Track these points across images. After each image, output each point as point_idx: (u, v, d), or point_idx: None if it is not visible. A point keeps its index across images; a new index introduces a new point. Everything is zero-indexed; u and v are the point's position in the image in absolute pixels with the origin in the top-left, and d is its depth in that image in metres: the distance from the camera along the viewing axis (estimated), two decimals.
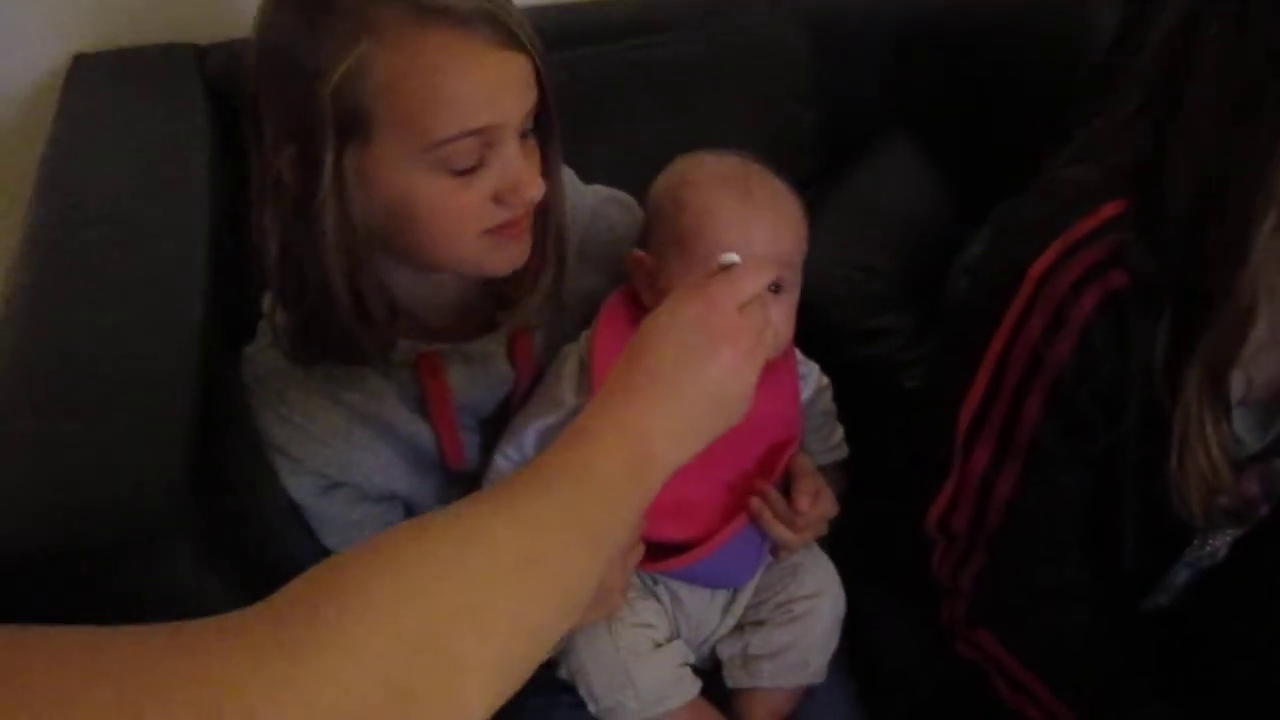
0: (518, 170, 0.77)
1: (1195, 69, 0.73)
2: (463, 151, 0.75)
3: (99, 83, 1.16)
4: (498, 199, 0.77)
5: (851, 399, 1.02)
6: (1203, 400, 0.77)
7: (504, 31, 0.74)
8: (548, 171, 0.81)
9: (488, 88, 0.74)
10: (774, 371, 0.89)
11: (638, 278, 0.89)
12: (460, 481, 0.93)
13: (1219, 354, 0.76)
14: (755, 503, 0.87)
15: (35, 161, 1.04)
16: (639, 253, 0.89)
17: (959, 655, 0.91)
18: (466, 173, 0.76)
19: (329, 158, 0.73)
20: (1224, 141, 0.72)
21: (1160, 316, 0.76)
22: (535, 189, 0.78)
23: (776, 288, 0.86)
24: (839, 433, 1.00)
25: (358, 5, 0.72)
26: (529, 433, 0.89)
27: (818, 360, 0.98)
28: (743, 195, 0.85)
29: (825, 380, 0.99)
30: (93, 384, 0.74)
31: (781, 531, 0.88)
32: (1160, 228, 0.75)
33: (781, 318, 0.86)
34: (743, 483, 0.88)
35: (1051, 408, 0.80)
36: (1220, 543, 0.95)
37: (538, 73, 0.77)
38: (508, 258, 0.81)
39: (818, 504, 0.89)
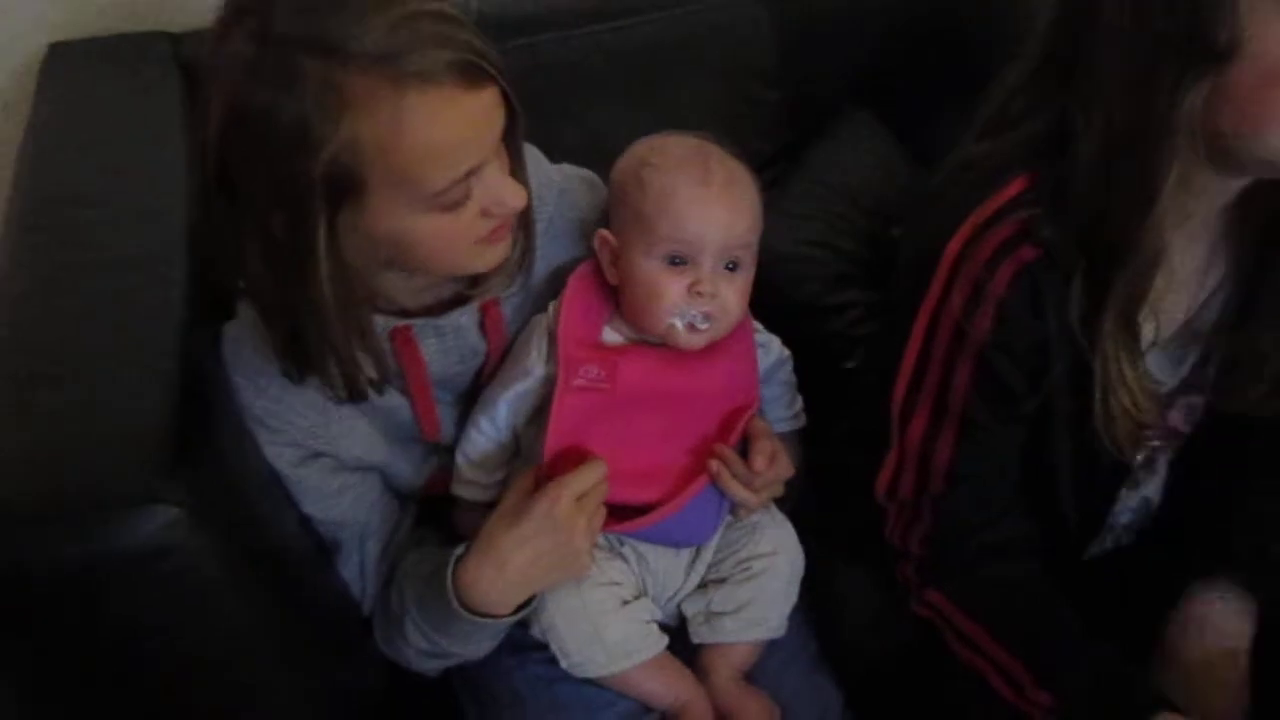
0: (501, 188, 0.80)
1: (1093, 31, 0.77)
2: (454, 193, 0.78)
3: (75, 71, 1.18)
4: (485, 213, 0.81)
5: (813, 372, 1.06)
6: (1118, 345, 0.81)
7: (472, 71, 0.74)
8: (516, 167, 0.84)
9: (469, 130, 0.76)
10: (732, 341, 0.94)
11: (603, 256, 0.93)
12: (436, 453, 0.97)
13: (1130, 301, 0.80)
14: (714, 464, 0.91)
15: (14, 148, 1.07)
16: (604, 232, 0.92)
17: (914, 615, 0.95)
18: (457, 205, 0.79)
19: (321, 222, 0.75)
20: (1125, 102, 0.75)
21: (1071, 278, 0.81)
22: (519, 199, 0.82)
23: (732, 265, 0.90)
24: (799, 403, 1.04)
25: (329, 74, 0.71)
26: (500, 403, 0.93)
27: (780, 334, 1.02)
28: (701, 178, 0.89)
29: (786, 353, 1.03)
30: (81, 359, 0.77)
31: (739, 490, 0.92)
32: (1064, 195, 0.79)
33: (735, 294, 0.91)
34: (703, 447, 0.92)
35: (979, 376, 0.85)
36: (1154, 490, 1.00)
37: (503, 90, 0.78)
38: (495, 255, 0.85)
39: (774, 465, 0.93)
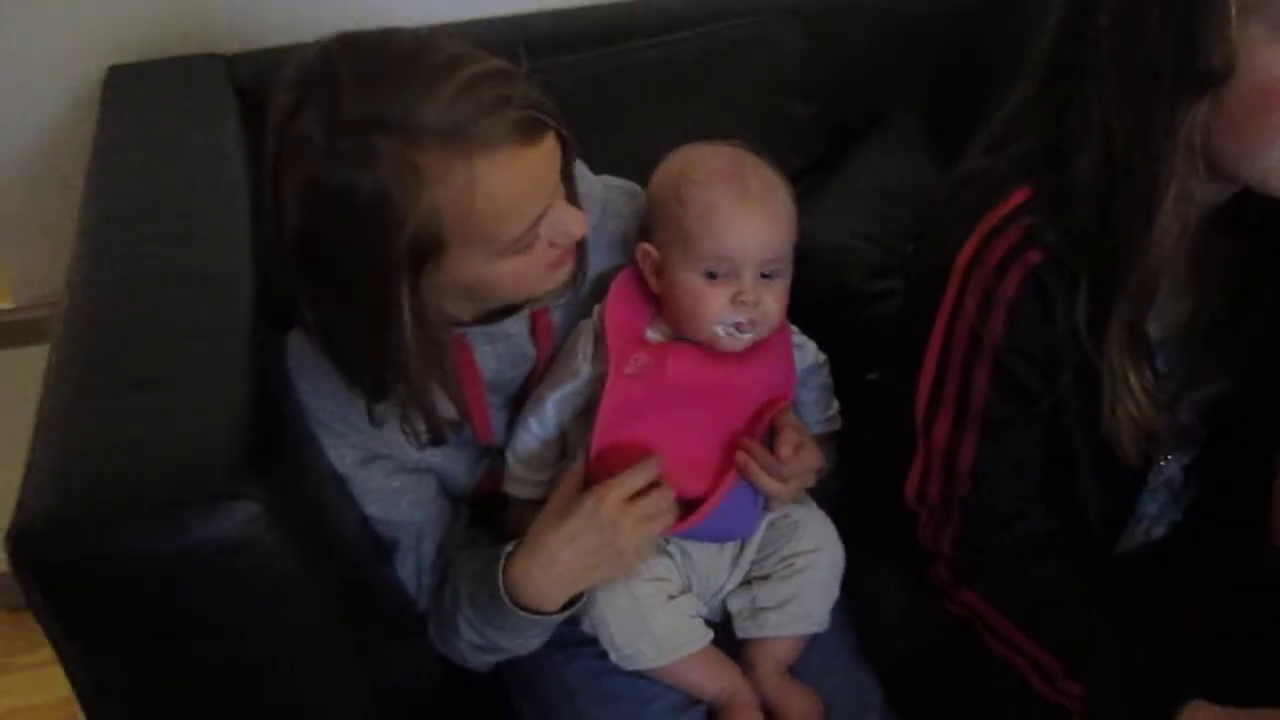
0: (566, 220, 0.85)
1: (1092, 55, 0.79)
2: (527, 237, 0.82)
3: (135, 93, 1.24)
4: (551, 243, 0.86)
5: (856, 361, 1.09)
6: (1124, 353, 0.84)
7: (532, 126, 0.78)
8: (572, 193, 0.88)
9: (535, 181, 0.81)
10: (769, 343, 0.97)
11: (645, 266, 0.97)
12: (489, 454, 1.01)
13: (1134, 311, 0.83)
14: (740, 456, 0.94)
15: (78, 165, 1.12)
16: (646, 245, 0.96)
17: (946, 613, 0.98)
18: (530, 246, 0.83)
19: (405, 287, 0.79)
20: (1124, 122, 0.78)
21: (1078, 284, 0.83)
22: (583, 227, 0.87)
23: (770, 274, 0.94)
24: (835, 406, 1.07)
25: (403, 151, 0.74)
26: (549, 404, 0.96)
27: (821, 322, 1.06)
28: (740, 193, 0.92)
29: (823, 357, 1.06)
30: (160, 366, 0.81)
31: (767, 482, 0.94)
32: (1067, 205, 0.82)
33: (775, 300, 0.94)
34: (736, 442, 0.95)
35: (996, 378, 0.87)
36: (1174, 471, 1.02)
37: (558, 132, 0.82)
38: (563, 276, 0.90)
39: (800, 455, 0.95)
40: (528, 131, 0.78)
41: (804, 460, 0.96)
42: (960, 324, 0.87)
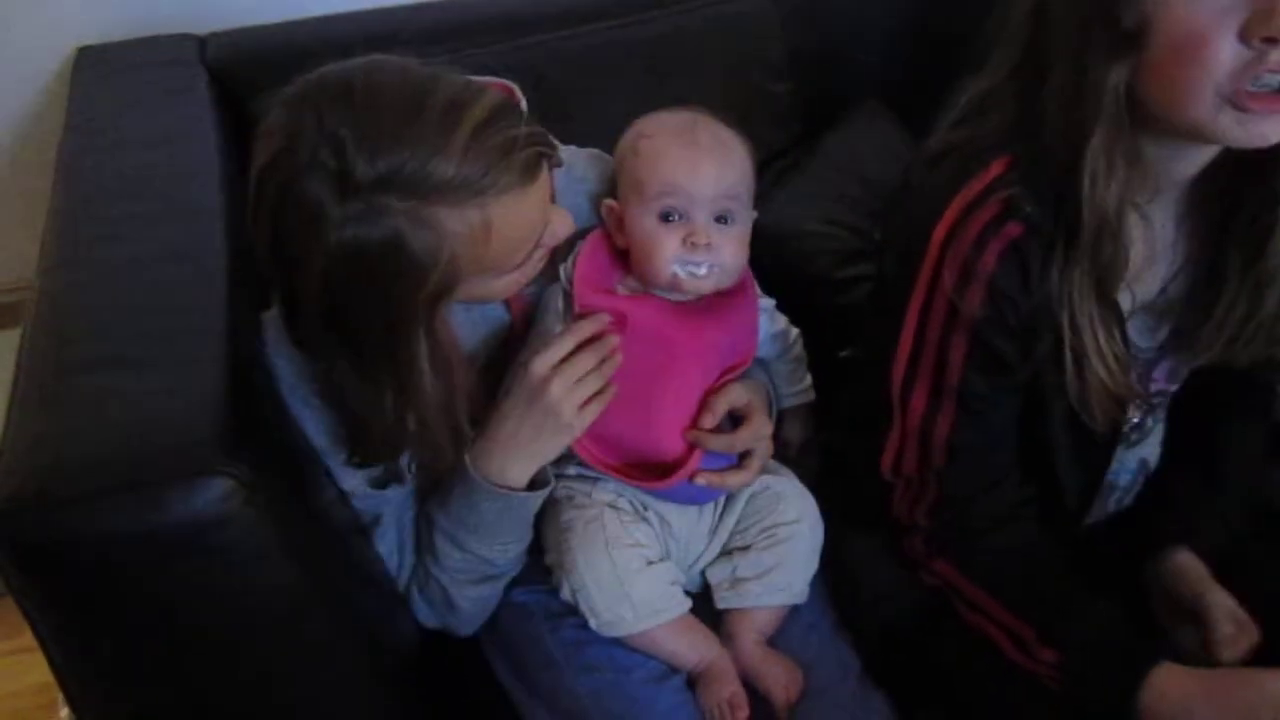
0: (556, 225, 0.88)
1: (1045, 25, 0.82)
2: (528, 254, 0.86)
3: (105, 73, 1.23)
4: (542, 245, 0.88)
5: (825, 348, 1.11)
6: (1094, 316, 0.85)
7: (535, 162, 0.80)
8: (553, 192, 0.90)
9: (540, 209, 0.84)
10: (734, 301, 0.99)
11: (610, 222, 0.99)
12: (470, 426, 1.01)
13: (1103, 271, 0.84)
14: (691, 435, 0.97)
15: (49, 147, 1.11)
16: (609, 201, 0.99)
17: (922, 585, 1.00)
18: (529, 258, 0.87)
19: (421, 331, 0.80)
20: (1064, 89, 0.81)
21: (1053, 252, 0.85)
22: (569, 226, 0.90)
23: (724, 218, 0.95)
24: (808, 379, 1.09)
25: (419, 210, 0.75)
26: None
27: (794, 306, 1.07)
28: (689, 141, 0.95)
29: (795, 330, 1.08)
30: (136, 346, 0.81)
31: (723, 444, 0.97)
32: (1041, 175, 0.84)
33: (730, 244, 0.96)
34: (703, 402, 0.97)
35: (973, 350, 0.89)
36: (1150, 451, 1.04)
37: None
38: (545, 259, 0.92)
39: (749, 427, 0.98)
40: (533, 169, 0.80)
41: (754, 429, 0.98)
42: (938, 297, 0.88)
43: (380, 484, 0.93)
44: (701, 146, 0.95)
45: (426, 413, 0.84)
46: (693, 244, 0.94)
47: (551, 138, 0.83)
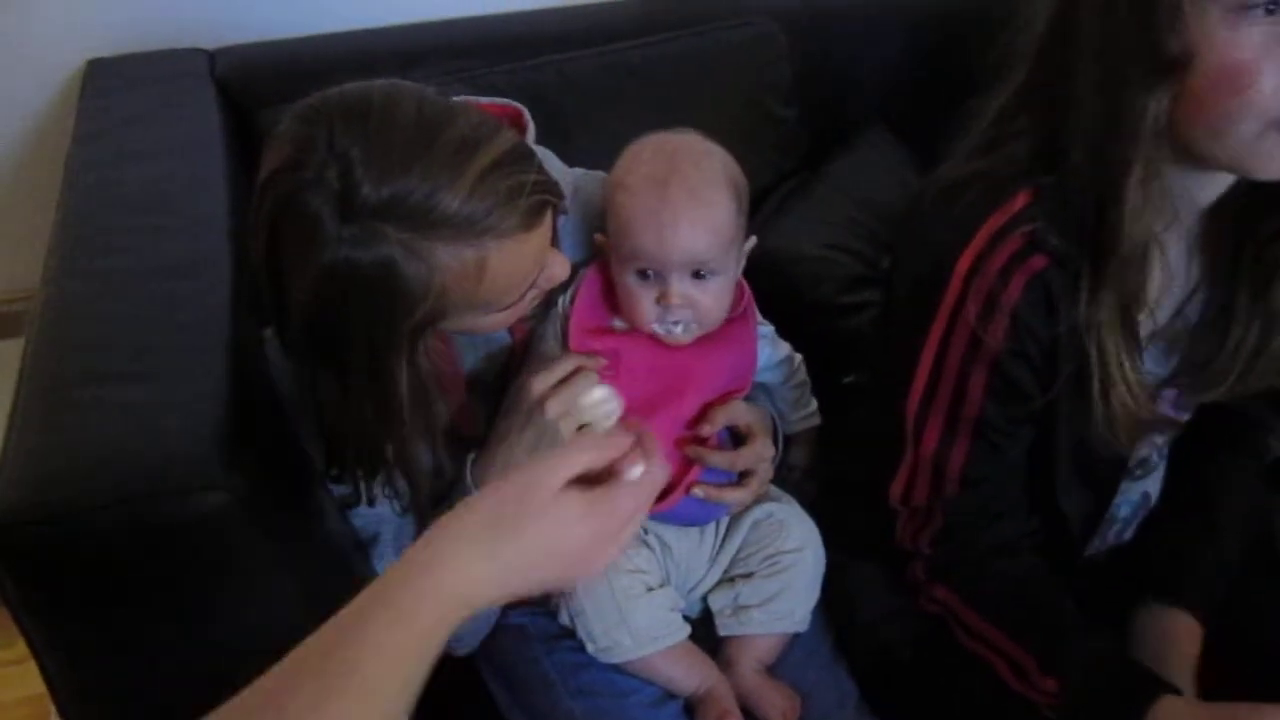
0: (552, 267, 0.87)
1: (1075, 50, 0.81)
2: (521, 294, 0.85)
3: (114, 86, 1.23)
4: (537, 286, 0.87)
5: (828, 373, 1.10)
6: (1118, 342, 0.85)
7: (539, 209, 0.79)
8: (555, 236, 0.89)
9: (538, 255, 0.83)
10: (729, 334, 0.99)
11: (602, 255, 0.98)
12: (472, 446, 1.01)
13: (1126, 297, 0.84)
14: (691, 450, 0.97)
15: (60, 158, 1.11)
16: (600, 236, 0.98)
17: (921, 611, 0.99)
18: (522, 298, 0.86)
19: (404, 360, 0.80)
20: (1100, 111, 0.80)
21: (1079, 281, 0.84)
22: (565, 270, 0.89)
23: (701, 274, 0.94)
24: (813, 404, 1.09)
25: (415, 243, 0.75)
26: None
27: (797, 332, 1.07)
28: (660, 200, 0.91)
29: (799, 357, 1.08)
30: (139, 358, 0.80)
31: (723, 460, 0.97)
32: (1067, 206, 0.83)
33: (710, 297, 0.95)
34: (695, 428, 0.98)
35: (994, 382, 0.88)
36: (1153, 485, 1.04)
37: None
38: (539, 296, 0.91)
39: (750, 446, 0.98)
40: (536, 216, 0.79)
41: (757, 451, 0.98)
42: (959, 328, 0.87)
43: (349, 503, 0.91)
44: (674, 206, 0.91)
45: (403, 441, 0.84)
46: (665, 305, 0.93)
47: (559, 186, 0.82)
